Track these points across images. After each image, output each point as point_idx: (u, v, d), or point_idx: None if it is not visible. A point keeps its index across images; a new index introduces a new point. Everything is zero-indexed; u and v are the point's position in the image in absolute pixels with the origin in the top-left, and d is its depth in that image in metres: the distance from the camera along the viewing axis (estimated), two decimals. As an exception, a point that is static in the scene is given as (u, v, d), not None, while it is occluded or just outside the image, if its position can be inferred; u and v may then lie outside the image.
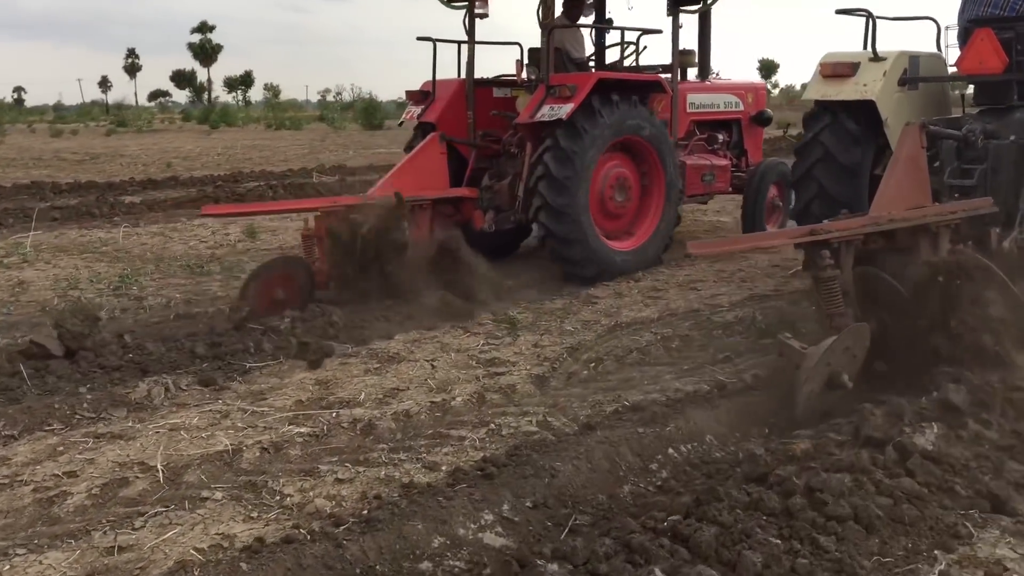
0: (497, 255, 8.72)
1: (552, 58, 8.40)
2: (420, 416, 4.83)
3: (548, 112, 7.95)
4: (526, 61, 9.32)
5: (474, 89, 9.04)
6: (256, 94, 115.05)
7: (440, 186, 8.51)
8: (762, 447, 4.01)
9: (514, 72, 9.48)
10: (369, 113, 42.31)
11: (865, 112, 6.72)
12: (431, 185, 8.39)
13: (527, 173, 8.23)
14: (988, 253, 5.37)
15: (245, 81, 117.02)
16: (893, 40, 6.82)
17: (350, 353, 5.90)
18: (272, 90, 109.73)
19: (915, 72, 6.83)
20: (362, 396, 5.09)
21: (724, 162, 9.90)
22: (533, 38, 9.31)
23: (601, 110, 8.07)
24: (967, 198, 6.05)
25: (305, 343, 5.88)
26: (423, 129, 8.99)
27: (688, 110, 9.61)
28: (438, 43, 8.93)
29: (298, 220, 11.51)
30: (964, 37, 6.75)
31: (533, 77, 8.76)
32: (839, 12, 6.90)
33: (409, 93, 9.37)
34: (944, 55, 7.16)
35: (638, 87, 8.57)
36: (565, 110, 7.83)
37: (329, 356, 5.79)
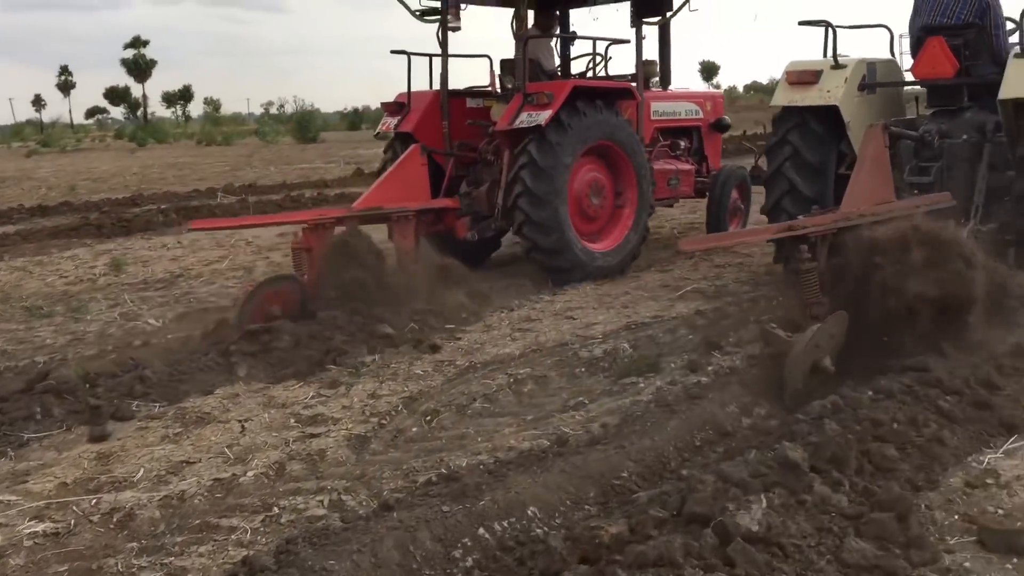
0: (474, 263, 9.02)
1: (527, 68, 8.76)
2: (195, 500, 4.00)
3: (527, 119, 8.28)
4: (498, 72, 9.65)
5: (448, 99, 9.36)
6: (197, 108, 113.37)
7: (422, 197, 8.76)
8: (561, 537, 3.30)
9: (485, 83, 9.83)
10: (303, 126, 41.71)
11: (829, 116, 7.18)
12: (414, 196, 8.62)
13: (507, 188, 8.54)
14: None
15: (184, 96, 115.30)
16: (849, 47, 7.29)
17: (154, 415, 5.12)
18: (212, 104, 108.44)
19: (873, 78, 7.34)
20: (139, 474, 4.27)
21: (688, 167, 10.35)
22: (500, 50, 9.66)
23: (577, 116, 8.43)
24: (925, 193, 6.56)
25: (97, 406, 4.93)
26: (400, 139, 9.27)
27: (652, 117, 10.02)
28: (412, 56, 9.23)
29: (176, 249, 11.25)
30: (916, 44, 7.26)
31: (509, 86, 9.09)
32: (801, 23, 7.38)
33: (385, 104, 9.64)
34: (899, 61, 7.67)
35: (610, 94, 8.97)
36: (544, 116, 8.17)
37: (127, 420, 5.05)
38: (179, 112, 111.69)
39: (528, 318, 7.28)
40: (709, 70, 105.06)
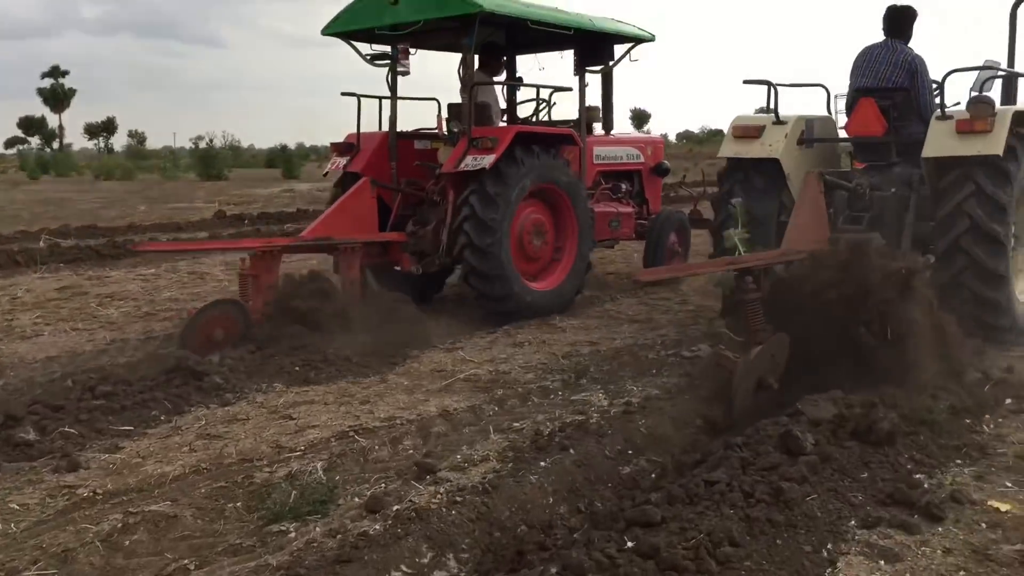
0: (422, 299, 9.18)
1: (473, 112, 8.99)
2: None
3: (471, 162, 8.49)
4: (445, 115, 9.87)
5: (397, 141, 9.54)
6: (121, 140, 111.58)
7: (370, 230, 8.92)
8: None
9: (432, 125, 10.03)
10: (206, 163, 40.76)
11: (770, 168, 7.56)
12: (361, 228, 8.78)
13: (452, 215, 8.73)
14: None
15: (107, 128, 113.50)
16: (786, 103, 7.70)
17: None
18: (136, 137, 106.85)
19: (811, 133, 7.75)
20: None
21: (629, 210, 10.66)
22: (448, 94, 9.89)
23: (520, 161, 8.65)
24: None
25: None
26: (347, 179, 9.41)
27: (595, 161, 10.33)
28: (362, 98, 9.42)
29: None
30: (851, 104, 7.70)
31: (456, 130, 9.30)
32: (746, 82, 7.78)
33: (334, 145, 9.77)
34: (834, 118, 8.10)
35: (552, 139, 9.23)
36: (488, 160, 8.38)
37: None
38: (101, 144, 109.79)
39: (235, 417, 5.59)
40: (640, 117, 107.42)
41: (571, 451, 4.66)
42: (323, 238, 8.32)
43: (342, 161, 9.49)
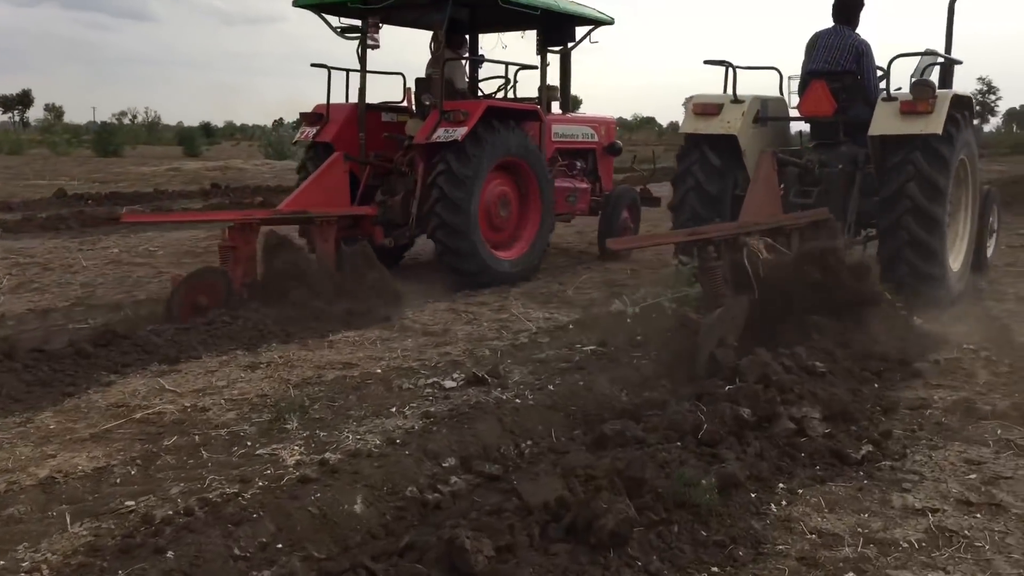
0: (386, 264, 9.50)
1: (444, 86, 9.35)
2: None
3: (444, 134, 8.86)
4: (413, 89, 10.19)
5: (365, 113, 9.85)
6: (37, 114, 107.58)
7: (343, 203, 9.23)
8: None
9: (398, 99, 10.36)
10: (103, 139, 39.55)
11: (727, 144, 8.07)
12: (335, 202, 9.09)
13: (423, 195, 9.07)
14: None
15: (23, 100, 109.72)
16: (742, 85, 8.22)
17: None
18: (54, 111, 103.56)
19: (766, 112, 8.30)
20: None
21: (584, 186, 11.14)
22: (414, 69, 10.20)
23: (488, 133, 9.06)
24: None
25: None
26: (317, 149, 9.71)
27: (553, 139, 10.76)
28: (332, 70, 9.70)
29: None
30: (803, 86, 8.28)
31: (427, 103, 9.64)
32: (706, 63, 8.29)
33: (303, 115, 10.04)
34: (787, 100, 8.67)
35: (519, 115, 9.66)
36: (459, 132, 8.76)
37: None
38: (16, 118, 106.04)
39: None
40: (572, 104, 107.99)
41: (168, 554, 3.16)
42: (299, 211, 8.59)
43: (311, 131, 9.77)
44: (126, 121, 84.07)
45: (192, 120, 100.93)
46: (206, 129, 78.21)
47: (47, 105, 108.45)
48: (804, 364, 5.19)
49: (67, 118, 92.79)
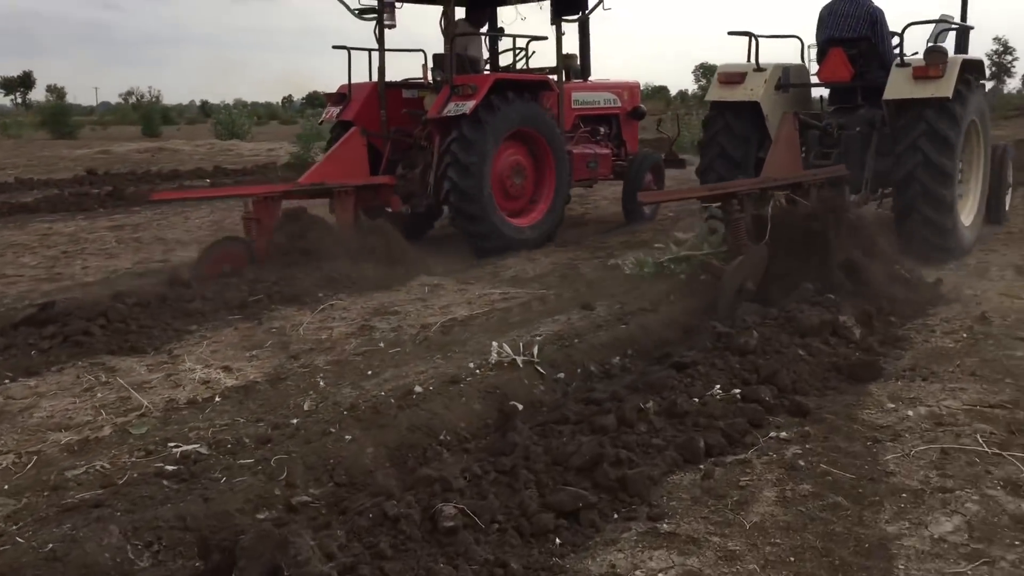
0: (414, 236, 9.72)
1: (455, 62, 9.46)
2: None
3: (453, 108, 9.02)
4: (431, 65, 10.31)
5: (386, 91, 9.99)
6: (40, 96, 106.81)
7: (362, 174, 9.46)
8: None
9: (419, 75, 10.47)
10: (57, 119, 37.96)
11: (750, 110, 8.27)
12: (354, 174, 9.35)
13: (437, 161, 9.27)
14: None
15: (24, 82, 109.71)
16: (765, 53, 8.36)
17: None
18: (56, 92, 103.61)
19: (787, 79, 8.50)
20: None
21: (606, 151, 11.21)
22: (435, 45, 10.31)
23: (498, 106, 9.17)
24: None
25: None
26: (341, 127, 9.90)
27: (573, 106, 10.82)
28: (352, 51, 9.85)
29: None
30: (821, 54, 8.43)
31: (439, 79, 9.76)
32: (730, 33, 8.45)
33: (328, 95, 10.28)
34: (807, 66, 8.81)
35: (529, 86, 9.76)
36: (468, 106, 8.91)
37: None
38: (18, 99, 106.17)
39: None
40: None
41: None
42: (318, 184, 8.85)
43: (335, 110, 9.96)
44: (132, 101, 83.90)
45: (196, 98, 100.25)
46: (203, 108, 77.63)
47: (49, 86, 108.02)
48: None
49: (73, 99, 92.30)
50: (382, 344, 5.86)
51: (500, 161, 9.41)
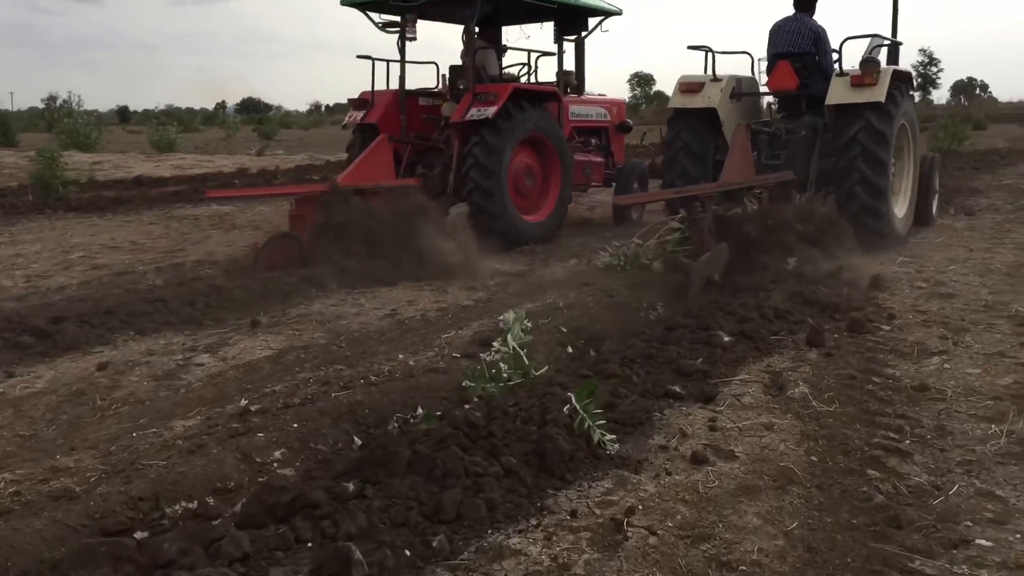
0: None
1: (474, 72, 10.87)
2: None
3: (476, 113, 10.34)
4: (447, 75, 11.72)
5: (406, 98, 11.40)
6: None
7: (390, 177, 10.76)
8: None
9: (432, 85, 11.89)
10: None
11: (708, 116, 9.56)
12: (383, 176, 10.61)
13: (460, 164, 10.57)
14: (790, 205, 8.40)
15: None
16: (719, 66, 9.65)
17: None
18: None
19: (740, 89, 9.80)
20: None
21: (599, 159, 12.61)
22: (448, 57, 11.68)
23: (514, 113, 10.52)
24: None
25: None
26: (363, 131, 11.27)
27: (570, 118, 12.21)
28: (376, 61, 11.26)
29: None
30: (770, 66, 9.76)
31: (461, 87, 11.13)
32: (689, 48, 9.81)
33: (351, 100, 11.61)
34: (758, 78, 10.15)
35: (541, 96, 11.16)
36: (490, 111, 10.23)
37: None
38: None
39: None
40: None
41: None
42: (354, 185, 10.03)
43: (359, 115, 11.33)
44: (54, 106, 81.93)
45: (146, 103, 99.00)
46: (122, 114, 76.55)
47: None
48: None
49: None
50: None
51: (515, 163, 10.67)
